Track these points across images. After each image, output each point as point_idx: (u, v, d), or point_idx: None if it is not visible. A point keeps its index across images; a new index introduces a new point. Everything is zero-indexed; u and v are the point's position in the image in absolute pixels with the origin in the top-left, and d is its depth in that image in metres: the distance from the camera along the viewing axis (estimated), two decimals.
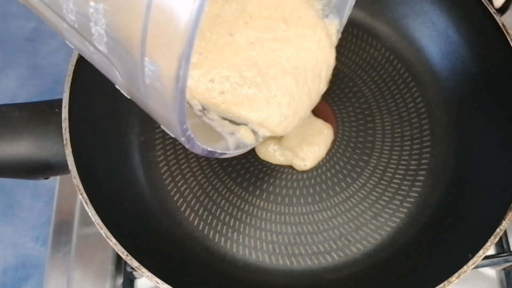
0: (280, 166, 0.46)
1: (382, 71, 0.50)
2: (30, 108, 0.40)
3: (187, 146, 0.26)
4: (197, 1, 0.17)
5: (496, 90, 0.43)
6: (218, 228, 0.44)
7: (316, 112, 0.47)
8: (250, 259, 0.43)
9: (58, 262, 0.48)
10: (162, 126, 0.27)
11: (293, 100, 0.36)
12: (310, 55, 0.37)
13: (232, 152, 0.33)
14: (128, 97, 0.26)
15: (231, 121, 0.34)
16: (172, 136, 0.27)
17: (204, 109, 0.33)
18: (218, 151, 0.30)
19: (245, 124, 0.34)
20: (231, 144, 0.33)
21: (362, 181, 0.46)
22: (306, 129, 0.47)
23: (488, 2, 0.43)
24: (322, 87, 0.39)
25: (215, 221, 0.44)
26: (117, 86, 0.26)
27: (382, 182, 0.45)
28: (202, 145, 0.27)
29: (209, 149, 0.29)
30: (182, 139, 0.25)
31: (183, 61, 0.19)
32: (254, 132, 0.35)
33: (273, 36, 0.35)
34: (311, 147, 0.46)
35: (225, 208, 0.45)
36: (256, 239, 0.43)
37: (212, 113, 0.34)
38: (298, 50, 0.36)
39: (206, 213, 0.44)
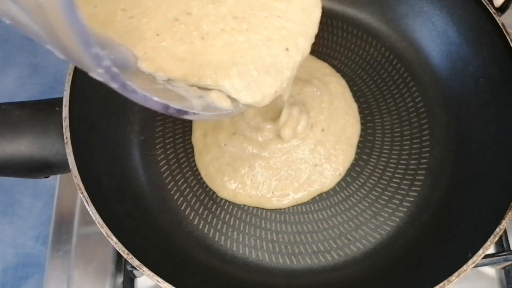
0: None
1: (382, 71, 0.50)
2: (30, 107, 0.40)
3: (115, 86, 0.21)
4: None
5: (496, 90, 0.43)
6: (218, 226, 0.44)
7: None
8: (250, 258, 0.43)
9: (58, 261, 0.48)
10: (91, 74, 0.22)
11: (270, 68, 0.34)
12: (293, 24, 0.35)
13: (202, 114, 0.29)
14: (61, 57, 0.22)
15: (200, 88, 0.32)
16: (102, 81, 0.22)
17: (169, 79, 0.31)
18: (175, 106, 0.25)
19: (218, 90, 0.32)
20: (197, 105, 0.29)
21: (362, 180, 0.46)
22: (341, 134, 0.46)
23: (488, 2, 0.43)
24: (303, 53, 0.37)
25: (215, 220, 0.44)
26: (48, 47, 0.22)
27: (382, 181, 0.45)
28: (144, 92, 0.22)
29: (155, 98, 0.23)
30: (100, 72, 0.20)
31: None
32: (234, 99, 0.33)
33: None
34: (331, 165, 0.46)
35: (225, 207, 0.45)
36: (256, 238, 0.43)
37: (178, 81, 0.31)
38: (280, 17, 0.35)
39: (206, 212, 0.45)
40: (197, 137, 0.47)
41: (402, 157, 0.46)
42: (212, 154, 0.46)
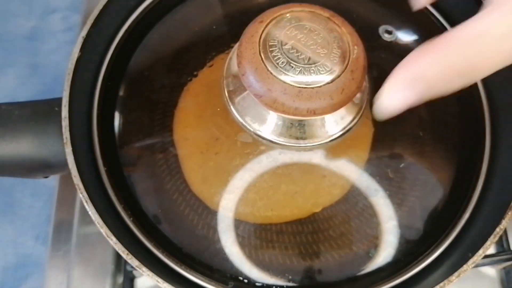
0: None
1: None
2: (30, 107, 0.40)
3: None
4: None
5: (496, 91, 0.43)
6: (218, 226, 0.44)
7: None
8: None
9: (58, 261, 0.48)
10: None
11: None
12: None
13: None
14: None
15: None
16: None
17: None
18: None
19: None
20: None
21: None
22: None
23: None
24: None
25: (214, 219, 0.44)
26: None
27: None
28: None
29: None
30: None
31: None
32: None
33: None
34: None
35: None
36: (257, 238, 0.43)
37: None
38: None
39: (205, 212, 0.44)
40: (178, 139, 0.44)
41: None
42: (194, 160, 0.43)
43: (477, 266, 0.35)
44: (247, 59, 0.28)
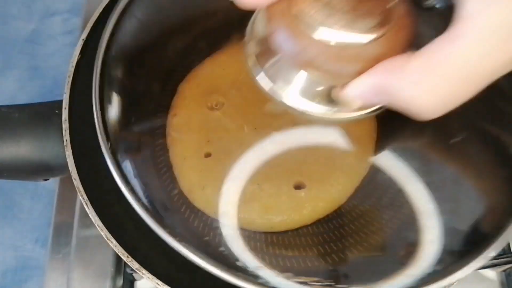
0: None
1: None
2: (30, 110, 0.40)
3: None
4: None
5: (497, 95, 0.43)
6: (218, 230, 0.44)
7: None
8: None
9: (58, 264, 0.48)
10: None
11: None
12: None
13: None
14: None
15: None
16: None
17: None
18: None
19: None
20: None
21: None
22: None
23: None
24: None
25: (214, 221, 0.44)
26: None
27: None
28: None
29: None
30: None
31: None
32: None
33: None
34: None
35: None
36: (257, 240, 0.43)
37: None
38: None
39: (205, 214, 0.44)
40: (176, 143, 0.44)
41: None
42: (190, 162, 0.43)
43: (477, 268, 0.35)
44: (276, 15, 0.23)
